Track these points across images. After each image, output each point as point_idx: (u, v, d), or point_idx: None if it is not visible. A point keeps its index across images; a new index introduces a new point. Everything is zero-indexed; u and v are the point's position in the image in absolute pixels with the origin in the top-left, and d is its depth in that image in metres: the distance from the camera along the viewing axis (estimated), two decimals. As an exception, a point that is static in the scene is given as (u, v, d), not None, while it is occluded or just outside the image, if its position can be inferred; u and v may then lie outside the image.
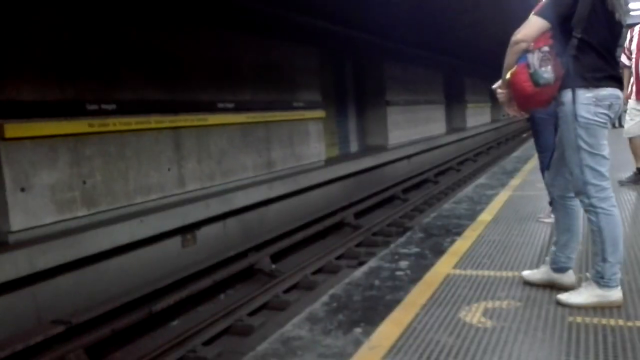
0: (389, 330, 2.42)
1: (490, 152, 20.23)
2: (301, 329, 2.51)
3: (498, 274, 3.06)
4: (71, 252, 5.05)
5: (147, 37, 6.51)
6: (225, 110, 7.78)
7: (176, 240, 6.45)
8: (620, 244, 2.47)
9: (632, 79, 5.45)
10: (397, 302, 2.76)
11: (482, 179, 6.73)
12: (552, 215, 3.95)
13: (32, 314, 4.78)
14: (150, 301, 5.34)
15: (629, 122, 5.49)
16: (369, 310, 2.68)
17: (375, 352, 2.22)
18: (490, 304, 2.65)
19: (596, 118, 2.41)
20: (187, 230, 6.57)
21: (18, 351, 4.19)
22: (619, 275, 2.50)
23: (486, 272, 3.13)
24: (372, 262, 3.51)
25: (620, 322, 2.37)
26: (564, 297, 2.59)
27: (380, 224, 9.25)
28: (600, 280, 2.50)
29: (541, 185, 5.70)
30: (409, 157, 14.22)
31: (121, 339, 5.01)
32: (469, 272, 3.18)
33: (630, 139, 5.45)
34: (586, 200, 2.47)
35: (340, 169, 10.40)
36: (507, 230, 4.03)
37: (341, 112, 12.73)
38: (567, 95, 2.44)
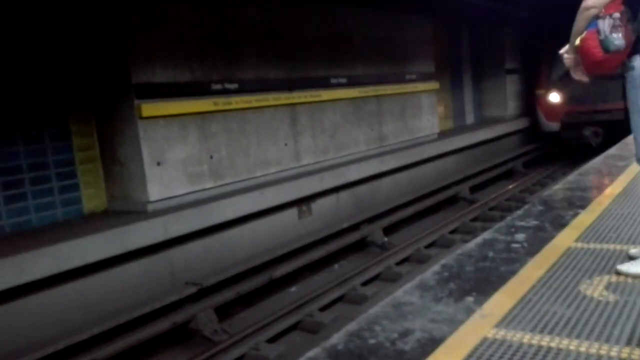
0: (502, 300, 2.40)
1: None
2: (412, 296, 2.56)
3: (625, 247, 2.86)
4: (201, 220, 5.53)
5: (265, 16, 6.78)
6: (338, 85, 7.91)
7: (293, 212, 6.77)
8: None
9: None
10: (512, 273, 2.70)
11: (613, 150, 6.21)
12: None
13: (168, 276, 5.34)
14: (270, 268, 5.70)
15: None
16: (482, 281, 2.66)
17: (487, 320, 2.22)
18: (614, 278, 2.50)
19: None
20: (303, 202, 6.86)
21: (157, 309, 4.72)
22: None
23: (611, 246, 2.94)
24: (486, 234, 3.44)
25: None
26: (624, 267, 2.55)
27: (498, 198, 8.93)
28: None
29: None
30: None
31: (245, 301, 5.43)
32: (592, 245, 3.01)
33: None
34: None
35: (454, 142, 10.13)
36: (638, 204, 3.71)
37: (456, 83, 12.31)
38: (637, 60, 2.40)
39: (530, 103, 12.85)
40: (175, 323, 4.75)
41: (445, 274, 2.81)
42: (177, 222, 5.33)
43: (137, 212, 5.42)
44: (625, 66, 2.48)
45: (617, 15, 2.36)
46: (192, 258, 5.56)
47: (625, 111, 10.32)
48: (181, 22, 5.81)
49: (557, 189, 4.56)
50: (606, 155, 5.88)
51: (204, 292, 5.09)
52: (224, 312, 5.18)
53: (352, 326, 2.29)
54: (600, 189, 4.28)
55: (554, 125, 11.88)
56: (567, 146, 12.04)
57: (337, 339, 2.20)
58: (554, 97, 11.72)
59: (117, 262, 4.90)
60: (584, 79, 2.67)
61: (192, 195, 5.86)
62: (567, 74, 11.62)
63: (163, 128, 5.63)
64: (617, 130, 9.53)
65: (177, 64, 5.76)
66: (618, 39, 2.34)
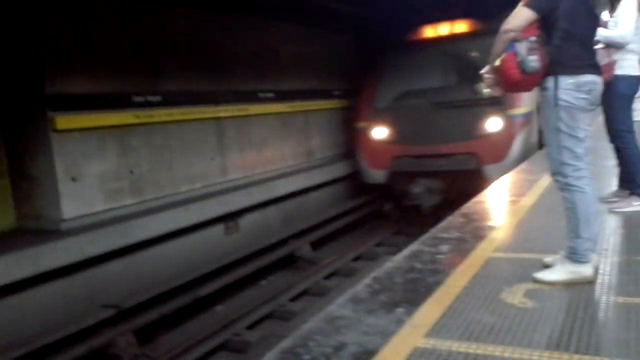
0: (430, 310, 2.47)
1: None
2: (345, 309, 2.58)
3: (540, 256, 3.03)
4: (120, 239, 5.26)
5: (191, 29, 6.65)
6: (266, 100, 7.89)
7: (219, 228, 6.62)
8: (592, 221, 2.59)
9: None
10: (439, 284, 2.79)
11: (524, 165, 6.63)
12: (635, 204, 3.88)
13: (84, 299, 5.02)
14: (195, 286, 5.52)
15: None
16: (411, 292, 2.72)
17: (417, 330, 2.27)
18: (531, 286, 2.65)
19: (576, 102, 2.55)
20: (230, 218, 6.73)
21: (72, 333, 4.42)
22: (590, 252, 2.62)
23: (527, 255, 3.12)
24: (412, 246, 3.54)
25: (667, 303, 2.35)
26: (540, 274, 2.71)
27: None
28: (574, 256, 2.63)
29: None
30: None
31: (168, 322, 5.21)
32: (510, 255, 3.18)
33: None
34: (562, 180, 2.61)
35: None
36: (550, 215, 3.96)
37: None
38: (551, 81, 2.57)
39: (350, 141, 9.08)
40: (92, 348, 4.47)
41: (377, 286, 2.85)
42: (94, 241, 5.04)
43: (50, 231, 5.08)
44: (540, 86, 2.65)
45: (533, 38, 2.53)
46: (111, 279, 5.27)
47: (475, 155, 7.39)
48: (101, 31, 5.57)
49: (475, 201, 4.79)
50: (518, 170, 6.26)
51: (123, 315, 4.83)
52: (145, 335, 4.94)
53: (286, 343, 2.26)
54: (515, 201, 4.54)
55: (379, 175, 8.11)
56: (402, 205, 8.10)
57: (271, 357, 2.16)
58: (379, 133, 8.07)
59: (28, 284, 4.56)
60: (503, 94, 2.84)
61: (111, 213, 5.58)
62: (400, 97, 8.44)
63: (79, 142, 5.34)
64: (462, 184, 7.27)
65: (96, 74, 5.51)
66: (534, 61, 2.51)
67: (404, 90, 8.19)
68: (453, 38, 8.03)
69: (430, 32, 8.31)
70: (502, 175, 6.06)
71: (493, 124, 7.38)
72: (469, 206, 4.62)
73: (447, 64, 8.09)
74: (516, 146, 7.32)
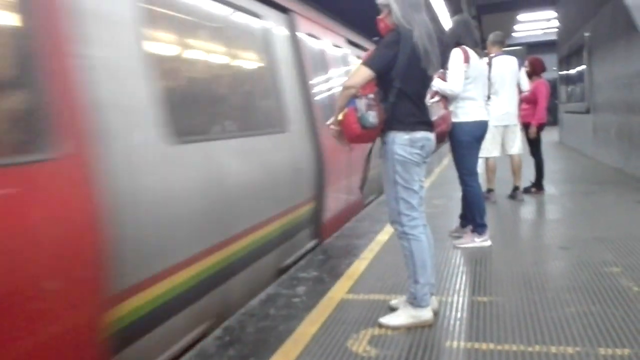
0: (277, 365, 2.44)
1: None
2: (190, 368, 2.46)
3: (388, 297, 3.17)
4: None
5: None
6: None
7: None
8: (428, 267, 2.79)
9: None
10: (290, 332, 2.78)
11: (383, 196, 6.95)
12: (477, 240, 4.21)
13: None
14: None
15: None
16: (261, 343, 2.68)
17: (261, 390, 2.23)
18: (377, 331, 2.74)
19: (410, 157, 2.75)
20: None
21: None
22: (428, 296, 2.81)
23: (377, 296, 3.24)
24: (270, 289, 3.51)
25: (491, 346, 2.55)
26: (385, 319, 2.83)
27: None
28: (414, 301, 2.80)
29: (437, 202, 6.01)
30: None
31: None
32: (361, 296, 3.28)
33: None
34: (399, 228, 2.82)
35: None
36: (400, 252, 4.17)
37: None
38: (388, 136, 2.76)
39: None
40: None
41: (227, 338, 2.77)
42: None
43: None
44: (381, 140, 2.81)
45: (371, 95, 2.71)
46: None
47: None
48: None
49: (337, 235, 4.91)
50: (378, 202, 6.56)
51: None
52: None
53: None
54: (371, 236, 4.73)
55: None
56: None
57: None
58: None
59: None
60: (348, 147, 2.98)
61: None
62: None
63: None
64: None
65: None
66: (373, 117, 2.68)
67: None
68: None
69: None
70: None
71: None
72: (330, 241, 4.72)
73: None
74: None
